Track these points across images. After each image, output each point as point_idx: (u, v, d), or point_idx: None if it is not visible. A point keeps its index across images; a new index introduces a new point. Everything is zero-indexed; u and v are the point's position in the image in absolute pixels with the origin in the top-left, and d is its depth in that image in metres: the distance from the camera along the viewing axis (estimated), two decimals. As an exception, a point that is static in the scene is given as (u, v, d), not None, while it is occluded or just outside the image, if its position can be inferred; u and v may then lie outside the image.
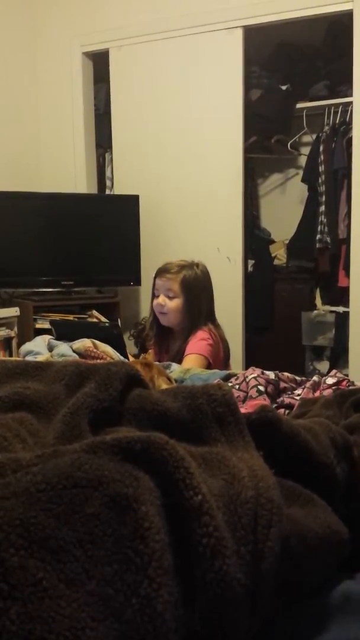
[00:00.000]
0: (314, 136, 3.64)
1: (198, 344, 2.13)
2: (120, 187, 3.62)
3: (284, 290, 3.85)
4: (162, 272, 2.22)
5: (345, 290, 3.35)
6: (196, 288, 2.19)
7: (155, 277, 2.25)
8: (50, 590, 0.42)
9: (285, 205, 4.14)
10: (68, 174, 3.70)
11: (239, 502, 0.51)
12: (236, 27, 3.18)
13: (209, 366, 2.07)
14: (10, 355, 3.06)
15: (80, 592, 0.42)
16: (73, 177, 3.70)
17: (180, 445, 0.55)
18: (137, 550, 0.44)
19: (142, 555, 0.44)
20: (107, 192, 3.84)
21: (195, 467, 0.51)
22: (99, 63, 3.69)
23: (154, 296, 2.25)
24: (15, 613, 0.39)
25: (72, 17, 3.59)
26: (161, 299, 2.20)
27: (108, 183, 3.85)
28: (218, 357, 2.17)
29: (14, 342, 3.12)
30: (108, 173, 3.84)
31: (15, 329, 3.16)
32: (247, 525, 0.50)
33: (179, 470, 0.49)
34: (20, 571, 0.41)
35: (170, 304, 2.19)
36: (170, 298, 2.18)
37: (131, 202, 3.45)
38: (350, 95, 3.13)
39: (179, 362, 2.04)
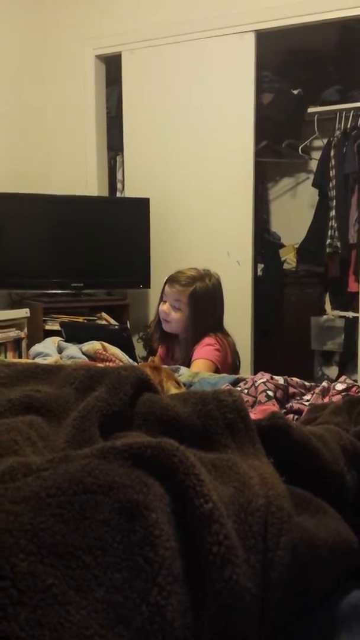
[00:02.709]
0: (325, 141, 3.64)
1: (204, 349, 2.11)
2: (131, 189, 3.63)
3: (294, 294, 3.84)
4: (173, 280, 2.18)
5: (355, 296, 3.34)
6: (204, 302, 2.14)
7: (165, 283, 2.22)
8: (59, 596, 0.41)
9: (295, 210, 4.14)
10: (79, 176, 3.71)
11: (249, 510, 0.50)
12: (248, 31, 3.18)
13: (216, 371, 2.05)
14: (20, 356, 3.07)
15: (90, 599, 0.42)
16: (84, 180, 3.71)
17: (191, 451, 0.55)
18: (146, 557, 0.44)
19: (152, 563, 0.44)
20: (118, 194, 3.85)
21: (206, 474, 0.51)
22: (111, 66, 3.70)
23: (162, 300, 2.23)
24: (25, 619, 0.39)
25: (85, 20, 3.61)
26: (167, 307, 2.17)
27: (119, 186, 3.86)
28: (226, 363, 2.16)
29: (24, 343, 3.13)
30: (119, 176, 3.85)
31: (25, 330, 3.17)
32: (258, 533, 0.49)
33: (189, 477, 0.49)
34: (29, 577, 0.41)
35: (175, 315, 2.16)
36: (176, 309, 2.16)
37: (142, 205, 3.45)
38: (362, 100, 3.12)
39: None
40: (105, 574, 0.44)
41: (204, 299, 2.14)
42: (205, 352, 2.11)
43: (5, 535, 0.43)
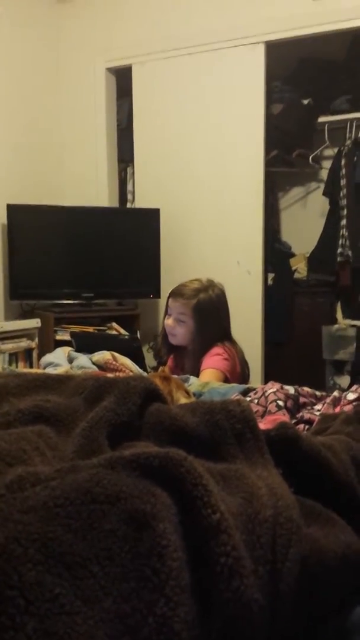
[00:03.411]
0: (336, 150, 3.64)
1: (213, 358, 2.11)
2: (141, 200, 3.65)
3: (304, 304, 3.82)
4: (176, 294, 2.18)
5: (367, 305, 3.32)
6: (209, 313, 2.14)
7: (169, 297, 2.23)
8: (67, 606, 0.41)
9: (306, 219, 4.13)
10: (90, 187, 3.74)
11: (257, 521, 0.50)
12: (258, 42, 3.20)
13: (226, 380, 2.05)
14: (31, 366, 3.09)
15: (97, 609, 0.42)
16: (95, 191, 3.74)
17: (199, 461, 0.55)
18: (154, 568, 0.44)
19: (159, 574, 0.44)
20: (129, 205, 3.87)
21: (214, 484, 0.51)
22: (122, 78, 3.73)
23: (166, 314, 2.22)
24: (32, 629, 0.39)
25: (96, 33, 3.65)
26: (171, 321, 2.17)
27: (129, 197, 3.88)
28: (235, 373, 2.15)
29: (35, 353, 3.15)
30: (129, 187, 3.87)
31: (36, 340, 3.18)
32: (266, 544, 0.49)
33: (197, 487, 0.49)
34: (37, 586, 0.41)
35: (180, 329, 2.16)
36: (181, 322, 2.15)
37: (152, 216, 3.47)
38: (372, 109, 3.12)
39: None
40: (113, 584, 0.44)
41: (208, 310, 2.14)
42: (213, 362, 2.10)
43: (14, 544, 0.43)
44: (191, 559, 0.47)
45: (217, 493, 0.50)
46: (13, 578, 0.40)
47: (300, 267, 3.92)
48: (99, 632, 0.41)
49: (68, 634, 0.40)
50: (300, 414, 1.45)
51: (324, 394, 1.57)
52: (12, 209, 3.27)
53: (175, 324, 2.17)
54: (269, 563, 0.48)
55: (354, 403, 1.44)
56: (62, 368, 1.83)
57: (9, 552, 0.42)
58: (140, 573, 0.44)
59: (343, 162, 3.49)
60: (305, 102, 3.66)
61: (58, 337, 3.18)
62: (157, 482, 0.51)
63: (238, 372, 2.18)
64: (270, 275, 3.77)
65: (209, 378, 1.99)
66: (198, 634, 0.44)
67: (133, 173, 3.73)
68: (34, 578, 0.41)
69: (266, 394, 1.48)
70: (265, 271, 3.48)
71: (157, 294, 3.46)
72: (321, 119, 3.67)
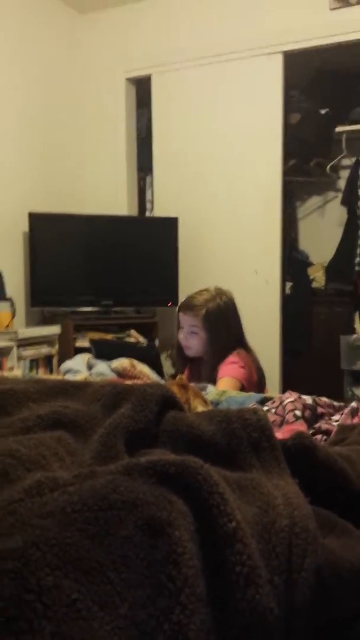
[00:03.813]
0: (354, 159, 3.63)
1: (229, 367, 2.11)
2: (160, 209, 3.67)
3: (322, 313, 3.80)
4: (184, 308, 2.21)
5: (386, 314, 3.29)
6: (220, 322, 2.15)
7: (178, 311, 2.25)
8: (83, 611, 0.42)
9: (324, 228, 4.12)
10: (110, 196, 3.77)
11: (273, 531, 0.50)
12: (276, 52, 3.22)
13: (242, 389, 2.05)
14: (51, 372, 3.11)
15: (113, 615, 0.43)
16: (114, 200, 3.77)
17: (215, 469, 0.55)
18: (169, 575, 0.45)
19: (175, 581, 0.44)
20: (147, 214, 3.89)
21: (230, 493, 0.51)
22: (141, 88, 3.77)
23: (178, 328, 2.25)
24: (50, 633, 0.39)
25: (116, 43, 3.70)
26: (184, 335, 2.20)
27: (148, 205, 3.90)
28: (252, 380, 2.15)
29: (55, 360, 3.17)
30: (148, 196, 3.90)
31: (57, 346, 3.21)
32: (282, 554, 0.49)
33: (213, 495, 0.49)
34: (55, 591, 0.41)
35: (194, 341, 2.18)
36: (193, 333, 2.17)
37: (170, 224, 3.49)
38: (392, 118, 3.11)
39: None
40: (129, 590, 0.44)
41: (218, 319, 2.15)
42: (230, 371, 2.10)
43: (32, 549, 0.43)
44: (207, 567, 0.47)
45: (233, 502, 0.50)
46: (31, 582, 0.41)
47: (318, 277, 3.91)
48: (115, 637, 0.42)
49: (85, 639, 0.41)
50: (318, 424, 1.44)
51: (342, 404, 1.56)
52: (33, 218, 3.31)
53: (188, 337, 2.18)
54: (284, 573, 0.48)
55: (372, 413, 1.42)
56: (82, 375, 1.84)
57: (27, 556, 0.42)
58: (156, 580, 0.45)
59: (362, 171, 3.48)
60: (323, 111, 3.66)
61: (78, 344, 3.21)
62: (173, 489, 0.51)
63: (254, 380, 2.18)
64: (288, 285, 3.76)
65: (225, 386, 1.99)
66: (213, 642, 0.44)
67: (152, 182, 3.76)
68: (52, 582, 0.42)
69: (284, 404, 1.48)
70: (283, 280, 3.47)
71: (175, 302, 3.47)
72: (339, 129, 3.67)
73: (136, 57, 3.63)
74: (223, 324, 2.16)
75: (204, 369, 2.24)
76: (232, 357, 2.15)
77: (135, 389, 0.72)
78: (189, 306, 2.19)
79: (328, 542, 0.59)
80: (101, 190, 3.78)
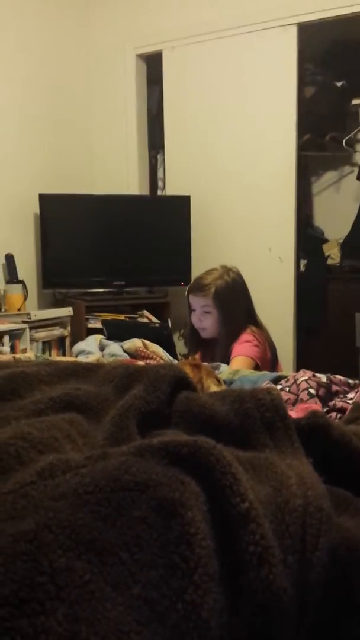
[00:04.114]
0: (370, 133, 3.56)
1: (243, 345, 2.11)
2: (172, 188, 3.63)
3: (337, 290, 3.76)
4: (194, 289, 2.23)
5: None
6: (230, 298, 2.18)
7: (188, 294, 2.26)
8: (96, 592, 0.42)
9: (339, 204, 4.06)
10: (121, 175, 3.74)
11: (287, 511, 0.50)
12: (290, 24, 3.14)
13: (256, 367, 2.05)
14: (64, 354, 3.13)
15: (126, 596, 0.43)
16: (126, 179, 3.74)
17: (228, 450, 0.55)
18: (183, 555, 0.44)
19: (188, 561, 0.44)
20: (159, 192, 3.86)
21: (243, 473, 0.51)
22: (152, 65, 3.71)
23: (190, 311, 2.25)
24: (62, 614, 0.40)
25: (125, 19, 3.63)
26: (197, 316, 2.21)
27: (160, 184, 3.87)
28: (265, 358, 2.15)
29: (68, 341, 3.19)
30: (160, 174, 3.86)
31: (69, 328, 3.22)
32: (295, 534, 0.49)
33: (225, 476, 0.49)
34: (67, 572, 0.42)
35: (207, 321, 2.20)
36: (206, 313, 2.19)
37: (182, 203, 3.45)
38: None
39: (226, 365, 2.03)
40: (142, 571, 0.44)
41: (228, 296, 2.18)
42: (244, 349, 2.10)
43: (45, 531, 0.43)
44: (220, 548, 0.47)
45: (246, 481, 0.50)
46: (44, 564, 0.41)
47: (333, 253, 3.86)
48: (128, 618, 0.42)
49: (98, 619, 0.41)
50: (333, 402, 1.44)
51: (357, 382, 1.55)
52: (44, 199, 3.30)
53: (201, 318, 2.19)
54: (298, 552, 0.48)
55: (388, 391, 1.41)
56: (94, 356, 1.85)
57: (40, 538, 0.43)
58: (168, 560, 0.44)
59: (378, 145, 3.41)
60: (339, 84, 3.58)
61: (90, 325, 3.21)
62: (186, 470, 0.51)
63: (268, 358, 2.18)
64: (303, 262, 3.72)
65: (239, 365, 1.99)
66: (227, 621, 0.44)
67: (164, 160, 3.72)
68: (64, 564, 0.42)
69: (298, 382, 1.47)
70: (298, 257, 3.43)
71: (188, 282, 3.44)
72: (355, 102, 3.59)
73: (146, 33, 3.57)
74: (233, 300, 2.18)
75: (217, 349, 2.25)
76: (246, 336, 2.14)
77: (148, 370, 0.72)
78: (198, 287, 2.21)
79: (343, 521, 0.59)
80: (112, 169, 3.75)
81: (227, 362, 2.07)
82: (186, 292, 2.29)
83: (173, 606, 0.43)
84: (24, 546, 0.42)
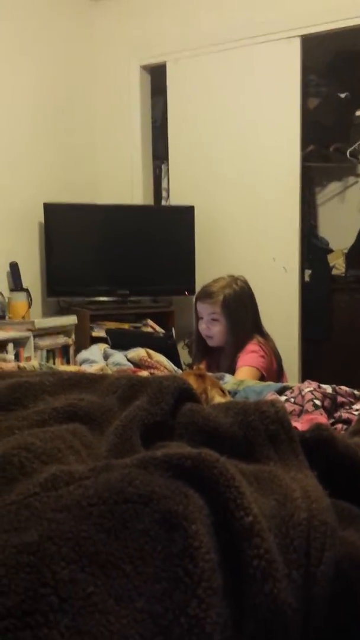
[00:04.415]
0: (374, 144, 3.56)
1: (249, 356, 2.11)
2: (176, 198, 3.65)
3: (343, 300, 3.76)
4: (202, 297, 2.23)
5: None
6: (238, 306, 2.18)
7: (196, 302, 2.26)
8: (100, 605, 0.42)
9: (344, 214, 4.06)
10: (125, 185, 3.76)
11: (291, 524, 0.50)
12: (294, 36, 3.16)
13: (262, 378, 2.04)
14: (68, 362, 3.13)
15: (130, 609, 0.43)
16: (130, 189, 3.76)
17: (232, 462, 0.55)
18: (186, 569, 0.44)
19: (192, 575, 0.44)
20: (163, 202, 3.87)
21: (247, 486, 0.50)
22: (156, 76, 3.74)
23: (197, 319, 2.26)
24: (65, 626, 0.39)
25: (130, 31, 3.66)
26: (205, 324, 2.21)
27: (164, 194, 3.88)
28: (271, 369, 2.14)
29: (72, 350, 3.19)
30: (164, 184, 3.88)
31: (73, 336, 3.22)
32: (299, 548, 0.48)
33: (229, 489, 0.49)
34: (70, 585, 0.41)
35: (215, 329, 2.20)
36: (214, 321, 2.19)
37: (186, 213, 3.47)
38: None
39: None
40: (145, 584, 0.44)
41: (236, 304, 2.18)
42: (249, 360, 2.10)
43: (48, 543, 0.43)
44: (224, 561, 0.46)
45: (250, 495, 0.50)
46: (47, 576, 0.41)
47: (338, 263, 3.86)
48: (131, 631, 0.41)
49: (101, 632, 0.41)
50: (338, 413, 1.43)
51: (362, 393, 1.54)
52: (48, 208, 3.32)
53: (209, 326, 2.19)
54: (302, 567, 0.48)
55: (393, 403, 1.41)
56: (98, 365, 1.84)
57: (43, 550, 0.42)
58: (172, 574, 0.44)
59: (382, 155, 3.42)
60: (342, 95, 3.60)
61: (94, 334, 3.22)
62: (189, 483, 0.51)
63: (274, 369, 2.17)
64: (307, 272, 3.72)
65: (244, 376, 1.98)
66: (230, 636, 0.44)
67: (168, 170, 3.74)
68: (68, 576, 0.42)
69: (303, 393, 1.46)
70: (302, 268, 3.43)
71: (192, 291, 3.45)
72: (358, 113, 3.60)
73: (150, 44, 3.60)
74: (241, 308, 2.19)
75: (223, 359, 2.24)
76: (252, 346, 2.14)
77: (151, 381, 0.72)
78: (206, 294, 2.21)
79: (348, 535, 0.58)
80: (116, 180, 3.77)
81: (233, 372, 2.07)
82: (194, 300, 2.30)
83: (176, 620, 0.42)
84: (27, 558, 0.42)
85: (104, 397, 0.73)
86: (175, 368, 1.91)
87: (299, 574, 0.47)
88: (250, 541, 0.46)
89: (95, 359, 1.93)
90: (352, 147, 3.75)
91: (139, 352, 1.86)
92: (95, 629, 0.41)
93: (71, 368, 1.96)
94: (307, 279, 3.70)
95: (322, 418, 1.35)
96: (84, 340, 3.15)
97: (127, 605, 0.43)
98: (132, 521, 0.46)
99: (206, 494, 0.49)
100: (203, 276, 3.19)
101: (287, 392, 1.54)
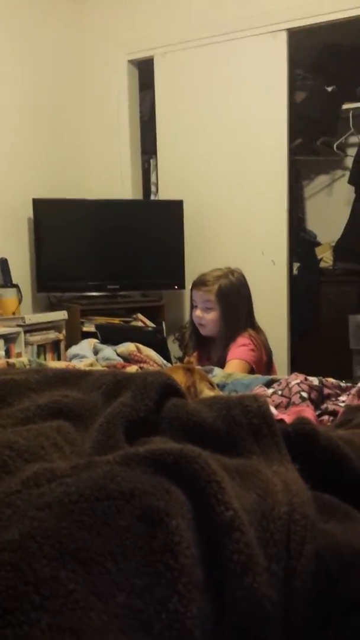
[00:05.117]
0: (361, 137, 3.57)
1: (239, 349, 2.12)
2: (165, 192, 3.64)
3: (331, 293, 3.78)
4: (198, 284, 2.25)
5: (395, 294, 3.26)
6: (233, 297, 2.20)
7: (192, 289, 2.28)
8: (81, 602, 0.42)
9: (331, 207, 4.08)
10: (114, 180, 3.75)
11: (271, 518, 0.50)
12: (280, 30, 3.15)
13: (252, 371, 2.05)
14: (59, 357, 3.12)
15: (111, 605, 0.43)
16: (119, 183, 3.75)
17: (214, 457, 0.55)
18: (167, 564, 0.45)
19: (172, 570, 0.44)
20: (152, 197, 3.87)
21: (228, 481, 0.51)
22: (144, 70, 3.72)
23: (193, 307, 2.28)
24: (46, 624, 0.40)
25: (117, 25, 3.64)
26: (199, 312, 2.23)
27: (153, 188, 3.88)
28: (261, 362, 2.16)
29: (62, 345, 3.19)
30: (153, 178, 3.87)
31: (64, 332, 3.22)
32: (280, 541, 0.49)
33: (210, 484, 0.49)
34: (51, 582, 0.42)
35: (208, 317, 2.21)
36: (208, 309, 2.20)
37: (175, 207, 3.46)
38: None
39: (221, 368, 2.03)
40: (127, 580, 0.44)
41: (231, 294, 2.20)
42: (240, 353, 2.11)
43: (29, 540, 0.44)
44: (205, 556, 0.47)
45: (231, 490, 0.50)
46: (28, 574, 0.41)
47: (326, 256, 3.88)
48: (112, 627, 0.42)
49: (82, 629, 0.41)
50: (325, 405, 1.44)
51: (348, 384, 1.55)
52: (37, 204, 3.30)
53: (203, 314, 2.21)
54: (283, 560, 0.48)
55: (379, 395, 1.42)
56: (88, 360, 1.85)
57: (24, 548, 0.43)
58: (153, 569, 0.45)
59: (369, 148, 3.43)
60: (329, 89, 3.60)
61: (84, 329, 3.22)
62: (171, 478, 0.51)
63: (264, 362, 2.19)
64: (296, 265, 3.73)
65: (234, 369, 2.00)
66: (211, 630, 0.45)
67: (156, 165, 3.73)
68: (49, 574, 0.42)
69: (290, 386, 1.48)
70: (291, 261, 3.44)
71: (182, 285, 3.46)
72: (345, 106, 3.62)
73: (138, 39, 3.58)
74: (236, 299, 2.21)
75: (214, 350, 2.26)
76: (243, 339, 2.16)
77: (136, 377, 0.72)
78: (202, 282, 2.23)
79: (329, 528, 0.59)
80: (105, 174, 3.76)
81: (223, 363, 2.08)
82: (190, 288, 2.32)
83: (157, 615, 0.43)
84: (8, 556, 0.42)
85: (89, 393, 0.73)
86: (165, 362, 1.91)
87: (279, 567, 0.48)
88: (230, 536, 0.46)
89: (86, 354, 1.93)
90: (339, 141, 3.76)
91: (128, 347, 1.87)
92: (76, 626, 0.41)
93: (60, 364, 1.96)
94: (295, 272, 3.71)
95: (309, 410, 1.36)
96: (75, 336, 3.15)
97: (108, 601, 0.43)
98: (114, 518, 0.47)
99: (188, 490, 0.50)
100: (192, 270, 3.19)
101: (275, 385, 1.55)
